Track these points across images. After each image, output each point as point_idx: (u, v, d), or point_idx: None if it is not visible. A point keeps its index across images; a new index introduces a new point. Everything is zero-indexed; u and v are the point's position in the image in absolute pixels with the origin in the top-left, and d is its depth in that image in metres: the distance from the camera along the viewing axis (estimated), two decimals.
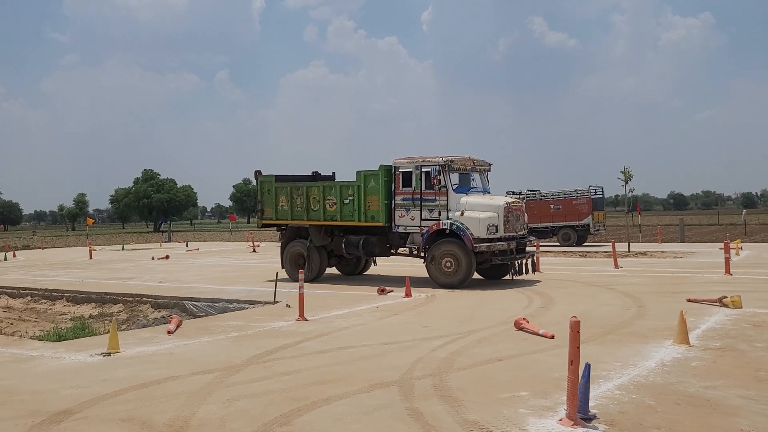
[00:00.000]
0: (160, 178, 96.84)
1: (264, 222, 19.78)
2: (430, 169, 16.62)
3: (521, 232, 17.10)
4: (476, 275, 17.55)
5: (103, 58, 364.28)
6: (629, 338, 9.54)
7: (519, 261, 16.94)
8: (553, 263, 22.46)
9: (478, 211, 16.17)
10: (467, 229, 16.02)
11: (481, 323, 11.19)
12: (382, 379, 7.43)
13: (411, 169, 16.91)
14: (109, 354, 9.40)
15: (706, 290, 14.40)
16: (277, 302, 14.62)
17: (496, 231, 16.13)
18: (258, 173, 19.91)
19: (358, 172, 17.70)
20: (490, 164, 18.30)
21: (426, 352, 8.98)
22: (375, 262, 20.43)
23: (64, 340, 11.81)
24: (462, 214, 16.20)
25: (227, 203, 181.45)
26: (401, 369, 7.95)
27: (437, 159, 16.69)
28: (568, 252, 28.78)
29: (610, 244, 33.79)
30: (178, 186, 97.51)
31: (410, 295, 14.83)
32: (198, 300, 16.37)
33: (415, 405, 6.41)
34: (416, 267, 19.47)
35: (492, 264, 16.78)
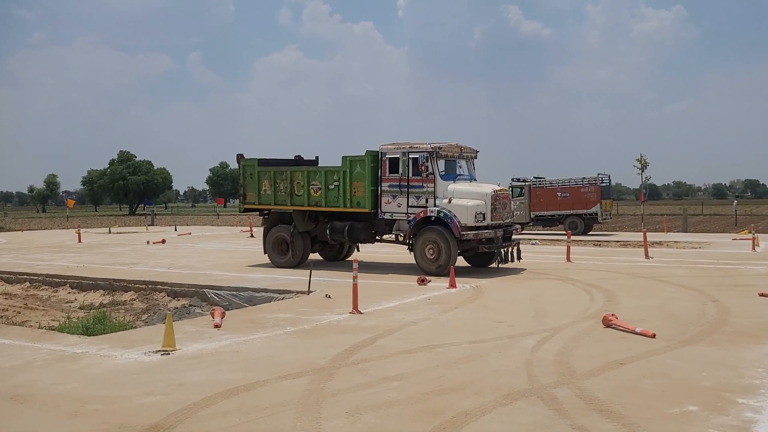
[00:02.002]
0: (137, 159, 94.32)
1: (246, 206, 19.28)
2: (417, 156, 16.26)
3: (507, 220, 16.93)
4: (463, 263, 17.21)
5: (71, 37, 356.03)
6: (740, 339, 8.72)
7: (505, 249, 16.72)
8: (578, 253, 21.63)
9: (465, 199, 15.91)
10: (455, 216, 15.74)
11: (558, 319, 10.30)
12: (511, 388, 6.49)
13: (398, 156, 16.57)
14: (167, 352, 8.32)
15: (765, 283, 13.70)
16: (312, 292, 13.61)
17: (484, 219, 15.89)
18: (240, 157, 19.24)
19: (344, 158, 17.17)
20: (477, 151, 17.97)
21: (526, 352, 8.07)
22: (358, 249, 19.85)
23: (93, 333, 10.66)
24: (449, 201, 15.90)
25: (200, 186, 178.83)
26: (520, 374, 7.02)
27: (425, 145, 16.35)
28: (579, 241, 28.03)
29: (618, 233, 33.34)
30: (155, 168, 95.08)
31: (455, 286, 13.92)
32: (220, 288, 15.29)
33: (580, 422, 5.48)
34: (401, 254, 18.81)
35: (478, 252, 16.61)
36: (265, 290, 14.72)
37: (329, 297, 12.89)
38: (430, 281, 14.69)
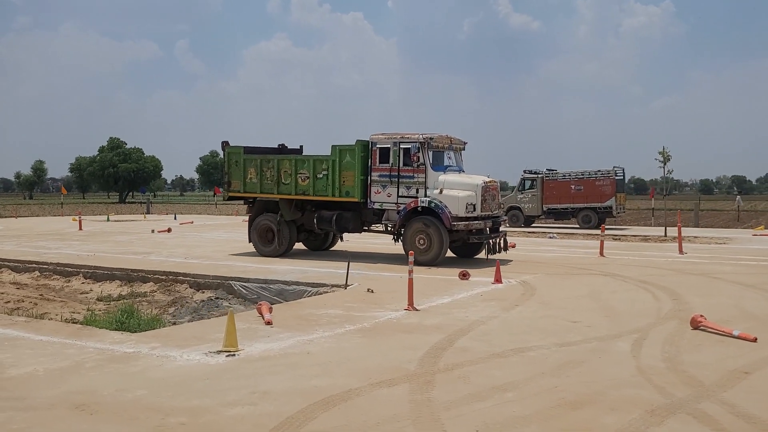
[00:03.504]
0: (127, 147, 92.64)
1: (231, 194, 18.97)
2: (409, 146, 16.31)
3: (496, 212, 17.05)
4: (448, 253, 16.92)
5: (57, 22, 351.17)
6: None
7: (493, 240, 16.80)
8: (606, 248, 20.90)
9: (456, 190, 15.97)
10: (446, 207, 15.78)
11: (634, 319, 9.60)
12: (649, 402, 5.76)
13: (389, 146, 16.54)
14: (232, 353, 7.51)
15: None
16: (349, 286, 12.84)
17: (474, 210, 15.96)
18: (225, 144, 18.98)
19: (334, 147, 17.06)
20: (465, 143, 18.06)
21: (628, 358, 7.36)
22: (341, 238, 19.89)
23: (129, 329, 9.80)
24: (441, 191, 15.94)
25: (188, 175, 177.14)
26: (643, 385, 6.30)
27: (417, 136, 16.37)
28: (596, 235, 27.32)
29: (631, 227, 32.75)
30: (146, 156, 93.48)
31: (501, 282, 13.19)
32: (247, 281, 14.48)
33: None
34: (385, 244, 18.70)
35: (466, 243, 16.73)
36: (297, 283, 13.94)
37: (372, 291, 12.15)
38: (470, 275, 13.95)
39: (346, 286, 12.98)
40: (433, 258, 15.82)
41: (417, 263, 15.42)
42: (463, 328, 8.98)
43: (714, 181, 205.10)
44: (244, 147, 18.62)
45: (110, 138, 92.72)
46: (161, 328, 9.64)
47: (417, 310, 10.29)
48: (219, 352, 7.56)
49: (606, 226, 31.62)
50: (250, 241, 18.63)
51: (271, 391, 6.12)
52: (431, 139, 16.39)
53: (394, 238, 17.22)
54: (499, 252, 16.96)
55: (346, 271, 13.18)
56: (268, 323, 9.28)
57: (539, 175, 32.09)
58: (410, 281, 10.59)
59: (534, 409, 5.59)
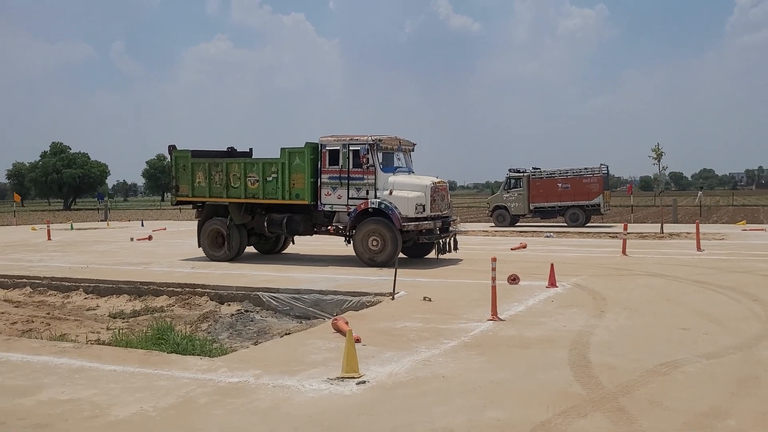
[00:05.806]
0: (71, 152, 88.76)
1: (179, 199, 18.88)
2: (358, 148, 16.33)
3: (446, 212, 17.11)
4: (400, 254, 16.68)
5: None
6: None
7: (443, 240, 16.86)
8: (610, 246, 20.56)
9: (406, 191, 16.08)
10: (396, 208, 15.88)
11: (741, 324, 9.08)
12: None
13: (338, 148, 16.62)
14: (361, 381, 6.55)
15: None
16: (396, 294, 11.98)
17: (424, 210, 16.07)
18: (172, 148, 18.68)
19: (283, 149, 17.04)
20: (414, 144, 18.17)
21: None
22: (293, 241, 19.87)
23: (186, 352, 8.70)
24: (390, 193, 16.04)
25: (131, 180, 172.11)
26: None
27: (366, 138, 16.44)
28: (589, 233, 27.19)
29: (616, 225, 32.69)
30: (91, 161, 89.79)
31: (556, 285, 12.52)
32: (277, 291, 13.48)
33: None
34: (336, 245, 18.95)
35: (416, 243, 16.74)
36: (335, 292, 13.03)
37: (430, 300, 11.34)
38: (520, 279, 13.22)
39: (393, 296, 12.10)
40: (387, 258, 15.73)
41: (371, 264, 15.85)
42: (575, 340, 8.23)
43: (652, 177, 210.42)
44: (192, 150, 18.31)
45: (53, 143, 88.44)
46: (237, 351, 8.57)
47: (502, 320, 9.51)
48: (342, 378, 6.60)
49: (593, 224, 31.62)
50: (199, 246, 18.32)
51: (453, 429, 5.22)
52: (380, 140, 16.42)
53: (345, 240, 17.02)
54: (449, 251, 16.91)
55: (393, 278, 12.25)
56: (357, 341, 8.32)
57: (525, 174, 31.72)
58: (494, 289, 9.80)
59: None
